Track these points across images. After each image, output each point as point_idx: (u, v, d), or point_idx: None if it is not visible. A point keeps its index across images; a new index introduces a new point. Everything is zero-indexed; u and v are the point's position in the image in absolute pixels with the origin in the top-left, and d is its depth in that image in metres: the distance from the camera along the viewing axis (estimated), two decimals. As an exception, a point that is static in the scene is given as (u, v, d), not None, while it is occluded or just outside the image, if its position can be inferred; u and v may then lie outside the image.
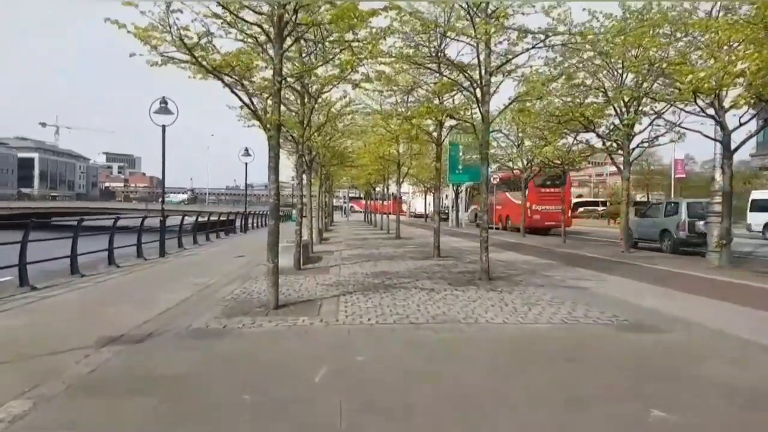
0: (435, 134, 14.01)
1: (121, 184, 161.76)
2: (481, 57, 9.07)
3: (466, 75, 9.21)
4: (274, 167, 7.12)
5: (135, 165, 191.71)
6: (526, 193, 24.48)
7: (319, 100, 11.00)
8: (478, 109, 9.37)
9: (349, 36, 7.26)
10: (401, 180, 21.95)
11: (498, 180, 28.14)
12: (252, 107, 6.98)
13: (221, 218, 26.28)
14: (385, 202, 34.58)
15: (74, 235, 10.87)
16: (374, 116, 15.41)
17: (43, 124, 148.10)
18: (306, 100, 10.85)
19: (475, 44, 8.96)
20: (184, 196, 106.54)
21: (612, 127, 16.75)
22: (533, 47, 8.82)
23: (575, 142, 19.37)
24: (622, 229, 17.13)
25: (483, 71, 9.10)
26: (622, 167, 16.71)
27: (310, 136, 12.98)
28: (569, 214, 26.28)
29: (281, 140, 15.38)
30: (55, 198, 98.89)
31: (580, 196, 67.96)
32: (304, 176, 14.12)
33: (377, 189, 38.34)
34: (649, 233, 17.66)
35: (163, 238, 15.25)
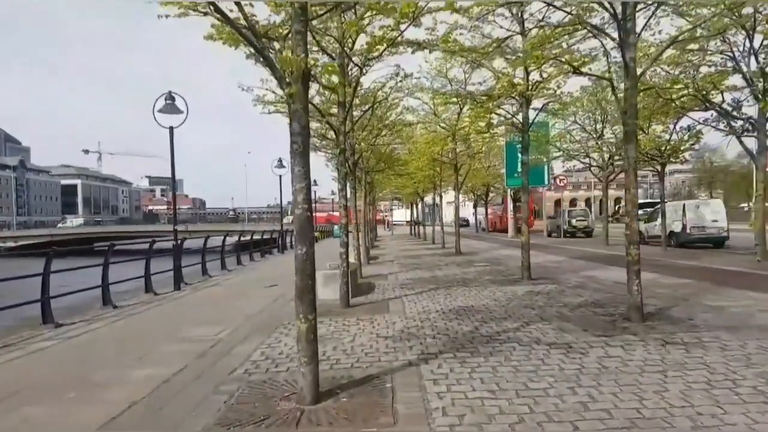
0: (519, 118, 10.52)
1: (165, 207, 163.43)
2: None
3: (605, 4, 5.78)
4: (301, 151, 3.93)
5: (177, 187, 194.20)
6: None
7: (365, 71, 7.72)
8: (621, 56, 5.91)
9: None
10: (459, 186, 18.43)
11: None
12: (253, 41, 3.81)
13: (254, 237, 23.38)
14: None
15: (44, 270, 7.92)
16: (432, 102, 12.20)
17: (86, 151, 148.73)
18: (348, 69, 7.67)
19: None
20: (81, 220, 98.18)
21: (737, 102, 13.00)
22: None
23: (677, 129, 15.57)
24: (757, 232, 13.21)
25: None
26: (755, 153, 12.85)
27: (353, 126, 9.85)
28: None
29: (315, 137, 12.34)
30: (98, 223, 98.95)
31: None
32: (348, 181, 10.94)
33: (425, 199, 34.89)
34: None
35: (178, 265, 12.31)
